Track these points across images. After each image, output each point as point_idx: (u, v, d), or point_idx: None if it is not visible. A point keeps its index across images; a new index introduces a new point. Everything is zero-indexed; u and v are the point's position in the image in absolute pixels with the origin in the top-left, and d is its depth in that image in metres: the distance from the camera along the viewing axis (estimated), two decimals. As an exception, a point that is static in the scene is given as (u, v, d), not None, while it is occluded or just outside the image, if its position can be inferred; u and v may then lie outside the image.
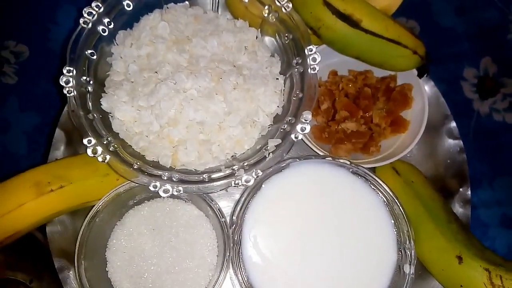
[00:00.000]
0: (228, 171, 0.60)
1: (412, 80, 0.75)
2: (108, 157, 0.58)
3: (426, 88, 0.75)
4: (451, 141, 0.77)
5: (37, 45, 0.98)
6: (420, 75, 0.73)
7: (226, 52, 0.68)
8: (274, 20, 0.66)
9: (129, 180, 0.60)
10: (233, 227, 0.63)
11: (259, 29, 0.69)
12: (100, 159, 0.58)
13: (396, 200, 0.63)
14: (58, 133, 0.75)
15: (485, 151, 0.92)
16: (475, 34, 1.01)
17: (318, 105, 0.76)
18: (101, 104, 0.63)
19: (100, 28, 0.64)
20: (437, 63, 0.78)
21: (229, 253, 0.61)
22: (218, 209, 0.64)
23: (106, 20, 0.65)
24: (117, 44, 0.67)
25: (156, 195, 0.68)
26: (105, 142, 0.59)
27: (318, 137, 0.75)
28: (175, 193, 0.58)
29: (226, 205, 0.75)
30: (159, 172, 0.59)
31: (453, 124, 0.77)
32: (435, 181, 0.74)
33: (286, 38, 0.66)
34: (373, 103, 0.75)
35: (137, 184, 0.64)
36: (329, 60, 0.77)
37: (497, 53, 1.00)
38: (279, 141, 0.60)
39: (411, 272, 0.61)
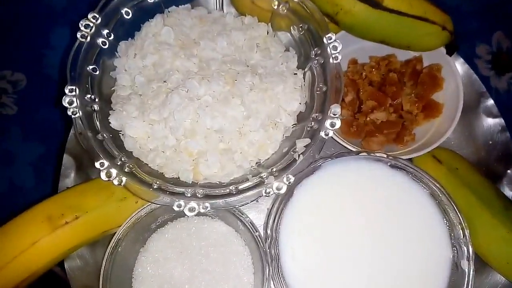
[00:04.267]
0: (256, 180, 0.56)
1: (439, 59, 0.70)
2: (124, 179, 0.54)
3: (457, 66, 0.71)
4: (490, 120, 0.72)
5: (34, 72, 0.95)
6: (450, 53, 0.68)
7: (237, 51, 0.64)
8: (285, 11, 0.62)
9: (150, 201, 0.56)
10: (268, 241, 0.58)
11: (270, 24, 0.66)
12: (115, 182, 0.53)
13: (444, 191, 0.58)
14: (67, 159, 0.70)
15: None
16: (481, 11, 0.97)
17: (342, 97, 0.69)
18: (109, 123, 0.59)
19: (100, 40, 0.61)
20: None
21: (268, 269, 0.56)
22: (250, 223, 0.59)
23: (105, 32, 0.61)
24: (119, 56, 0.64)
25: (179, 214, 0.64)
26: (119, 163, 0.55)
27: (346, 132, 0.70)
28: (202, 211, 0.53)
29: (255, 216, 0.70)
30: (182, 189, 0.55)
31: (491, 101, 0.72)
32: (478, 165, 0.69)
33: (300, 29, 0.61)
34: (400, 89, 0.70)
35: (158, 205, 0.59)
36: (347, 48, 0.71)
37: (508, 27, 0.97)
38: (308, 140, 0.56)
39: (470, 269, 0.56)
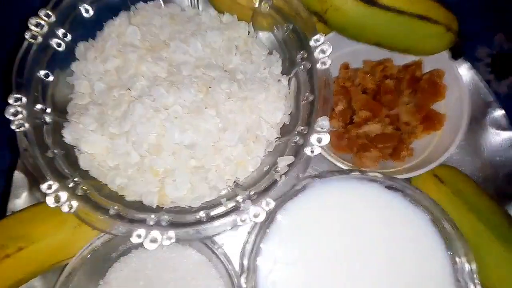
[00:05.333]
0: (231, 205, 0.50)
1: (441, 64, 0.64)
2: (75, 204, 0.48)
3: (461, 72, 0.64)
4: (499, 133, 0.67)
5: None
6: (455, 57, 0.62)
7: (214, 54, 0.59)
8: (267, 9, 0.57)
9: (104, 232, 0.48)
10: (245, 275, 0.50)
11: (251, 23, 0.61)
12: (65, 208, 0.47)
13: (447, 217, 0.53)
14: (18, 177, 0.62)
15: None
16: (482, 10, 0.92)
17: (332, 107, 0.64)
18: (63, 137, 0.53)
19: (54, 41, 0.55)
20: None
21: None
22: (223, 254, 0.52)
23: (60, 32, 0.55)
24: (78, 59, 0.58)
25: None
26: (71, 185, 0.49)
27: (336, 145, 0.64)
28: (166, 243, 0.47)
29: (231, 244, 0.62)
30: (143, 216, 0.49)
31: (499, 112, 0.66)
32: (485, 185, 0.63)
33: (285, 29, 0.56)
34: (397, 98, 0.64)
35: None
36: (338, 51, 0.65)
37: (509, 28, 0.91)
38: (292, 158, 0.50)
39: (479, 310, 0.49)
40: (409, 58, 0.66)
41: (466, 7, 0.91)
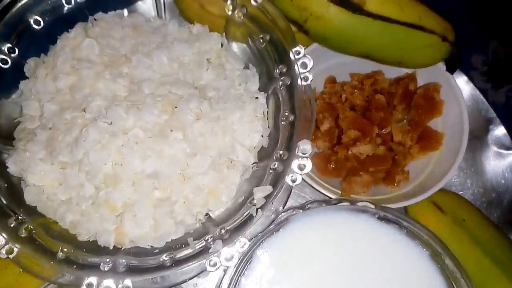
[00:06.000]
0: (199, 245, 0.45)
1: (437, 77, 0.59)
2: (16, 248, 0.42)
3: (459, 85, 0.59)
4: (502, 154, 0.62)
5: None
6: (451, 69, 0.57)
7: (182, 69, 0.54)
8: (242, 18, 0.53)
9: (49, 282, 0.43)
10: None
11: (224, 34, 0.57)
12: (2, 253, 0.42)
13: (448, 252, 0.47)
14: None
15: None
16: (474, 16, 0.87)
17: (317, 125, 0.60)
18: (7, 167, 0.48)
19: None
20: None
21: None
22: None
23: (6, 46, 0.50)
24: (27, 77, 0.53)
25: None
26: (12, 225, 0.44)
27: (322, 169, 0.58)
28: None
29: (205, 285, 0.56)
30: (97, 260, 0.44)
31: (502, 130, 0.61)
32: (488, 211, 0.59)
33: (261, 41, 0.52)
34: (390, 115, 0.59)
35: None
36: (322, 63, 0.61)
37: (504, 35, 0.87)
38: (270, 188, 0.46)
39: None
40: (402, 71, 0.62)
41: (457, 13, 0.88)
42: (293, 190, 0.48)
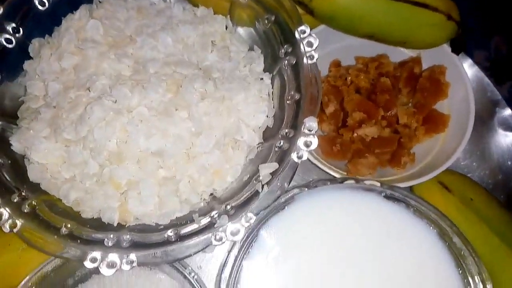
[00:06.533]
0: (204, 221, 0.44)
1: (443, 60, 0.59)
2: (19, 223, 0.42)
3: (465, 67, 0.59)
4: (508, 135, 0.62)
5: None
6: (456, 50, 0.57)
7: (186, 51, 0.54)
8: (246, 0, 0.52)
9: (54, 256, 0.42)
10: (222, 304, 0.43)
11: (229, 16, 0.56)
12: (6, 228, 0.42)
13: (456, 230, 0.47)
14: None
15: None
16: (476, 12, 0.85)
17: (322, 108, 0.59)
18: (10, 145, 0.48)
19: (3, 37, 0.50)
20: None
21: None
22: (196, 280, 0.45)
23: (10, 26, 0.50)
24: (31, 57, 0.52)
25: None
26: (16, 200, 0.44)
27: (328, 152, 0.58)
28: (126, 268, 0.41)
29: (209, 265, 0.56)
30: (101, 236, 0.43)
31: (508, 111, 0.62)
32: (494, 193, 0.58)
33: (267, 22, 0.52)
34: (395, 97, 0.59)
35: None
36: (328, 46, 0.61)
37: (507, 31, 0.86)
38: (276, 165, 0.45)
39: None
40: (407, 54, 0.61)
41: (459, 8, 0.87)
42: (298, 173, 0.49)
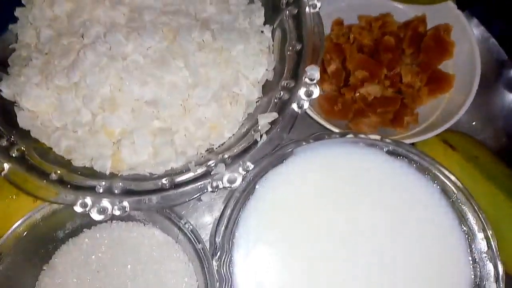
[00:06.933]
0: (200, 170, 0.43)
1: (448, 18, 0.57)
2: (7, 166, 0.41)
3: (471, 26, 0.58)
4: None
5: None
6: (461, 7, 0.55)
7: (184, 1, 0.52)
8: None
9: (44, 200, 0.42)
10: (217, 256, 0.42)
11: None
12: None
13: (460, 186, 0.46)
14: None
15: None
16: None
17: (324, 67, 0.58)
18: (0, 91, 0.46)
19: None
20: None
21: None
22: (191, 231, 0.44)
23: None
24: (23, 4, 0.51)
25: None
26: (4, 144, 0.43)
27: (329, 111, 0.57)
28: (117, 213, 0.40)
29: (204, 218, 0.55)
30: (93, 183, 0.42)
31: None
32: (498, 155, 0.56)
33: None
34: (399, 57, 0.57)
35: (61, 205, 0.44)
36: (331, 4, 0.61)
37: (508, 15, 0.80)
38: (275, 115, 0.45)
39: (499, 293, 0.43)
40: (411, 14, 0.60)
41: None
42: (298, 129, 0.47)
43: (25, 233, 0.46)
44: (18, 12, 0.50)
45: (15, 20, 0.50)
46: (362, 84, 0.55)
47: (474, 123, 0.61)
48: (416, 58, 0.58)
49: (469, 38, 0.56)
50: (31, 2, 0.49)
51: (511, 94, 0.62)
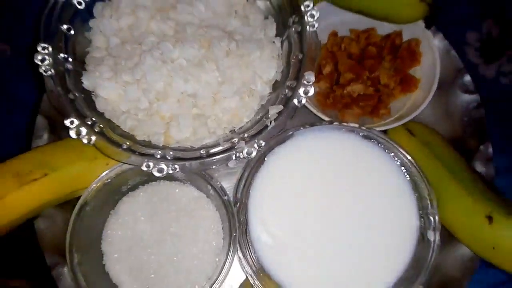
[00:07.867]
0: (227, 145, 0.56)
1: (419, 34, 0.70)
2: (93, 138, 0.54)
3: (436, 41, 0.70)
4: (466, 97, 0.71)
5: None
6: (428, 26, 0.68)
7: (215, 17, 0.63)
8: None
9: (119, 161, 0.55)
10: (237, 206, 0.58)
11: None
12: (85, 140, 0.53)
13: (414, 162, 0.59)
14: (40, 120, 0.69)
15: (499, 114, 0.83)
16: None
17: (320, 69, 0.71)
18: (82, 83, 0.58)
19: (76, 0, 0.60)
20: (437, 29, 0.74)
21: (235, 233, 0.56)
22: (220, 187, 0.59)
23: None
24: (95, 17, 0.62)
25: (151, 178, 0.64)
26: (89, 123, 0.55)
27: (323, 103, 0.70)
28: (171, 172, 0.53)
29: (228, 185, 0.70)
30: (152, 151, 0.55)
31: (467, 78, 0.71)
32: (452, 142, 0.68)
33: None
34: (379, 63, 0.69)
35: (129, 168, 0.59)
36: (328, 20, 0.72)
37: (498, 14, 0.93)
38: (281, 107, 0.56)
39: (436, 239, 0.56)
40: (391, 28, 0.71)
41: None
42: (298, 118, 0.60)
43: (101, 187, 0.58)
44: (91, 22, 0.61)
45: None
46: (349, 83, 0.67)
47: (434, 117, 0.71)
48: (393, 64, 0.70)
49: (432, 49, 0.68)
50: (101, 16, 0.61)
51: (464, 95, 0.71)
